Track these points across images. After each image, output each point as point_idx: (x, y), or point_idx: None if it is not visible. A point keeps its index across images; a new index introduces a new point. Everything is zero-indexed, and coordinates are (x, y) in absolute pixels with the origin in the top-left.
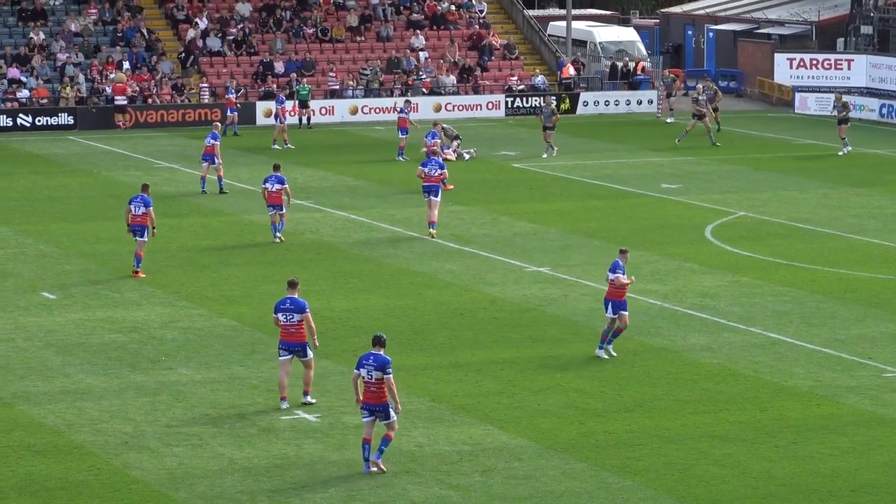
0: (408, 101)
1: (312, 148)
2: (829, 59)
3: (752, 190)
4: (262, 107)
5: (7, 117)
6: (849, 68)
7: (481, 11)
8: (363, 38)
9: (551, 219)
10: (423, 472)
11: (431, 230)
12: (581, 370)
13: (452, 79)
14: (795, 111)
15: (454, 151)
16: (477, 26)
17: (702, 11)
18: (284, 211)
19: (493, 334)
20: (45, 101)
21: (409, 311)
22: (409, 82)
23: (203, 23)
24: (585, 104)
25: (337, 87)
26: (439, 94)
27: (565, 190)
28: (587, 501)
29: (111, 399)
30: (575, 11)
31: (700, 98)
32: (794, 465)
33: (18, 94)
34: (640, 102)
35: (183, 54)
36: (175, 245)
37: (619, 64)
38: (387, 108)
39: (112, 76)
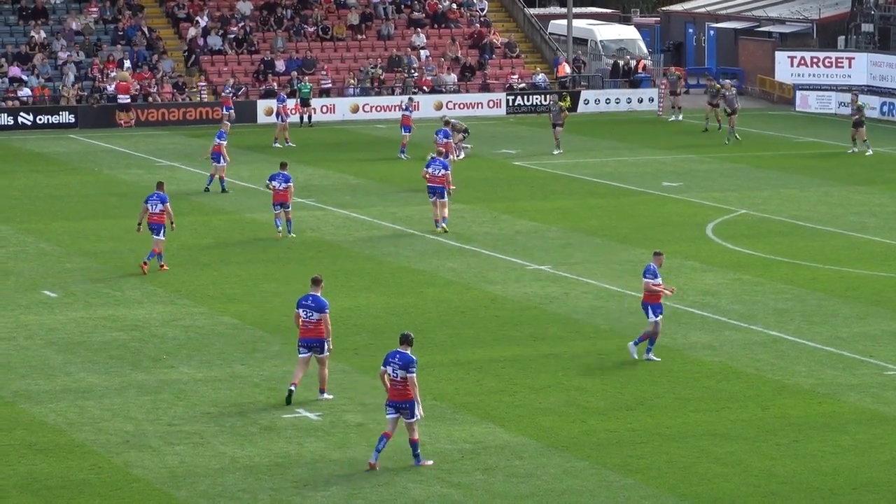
0: (411, 99)
1: (313, 146)
2: (830, 57)
3: (753, 188)
4: (263, 105)
5: (8, 116)
6: (849, 66)
7: (482, 10)
8: (364, 37)
9: (552, 217)
10: (424, 470)
11: (443, 225)
12: (582, 368)
13: (453, 77)
14: (796, 109)
15: (456, 145)
16: (478, 24)
17: (703, 9)
18: (290, 209)
19: (494, 332)
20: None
21: (410, 309)
22: (388, 81)
23: (204, 21)
24: (586, 102)
25: (329, 85)
26: (440, 92)
27: (566, 188)
28: (588, 500)
29: (112, 397)
30: (576, 10)
31: (728, 94)
32: (795, 463)
33: (19, 93)
34: (640, 100)
35: (187, 52)
36: (176, 243)
37: (621, 62)
38: (388, 106)
39: (113, 74)
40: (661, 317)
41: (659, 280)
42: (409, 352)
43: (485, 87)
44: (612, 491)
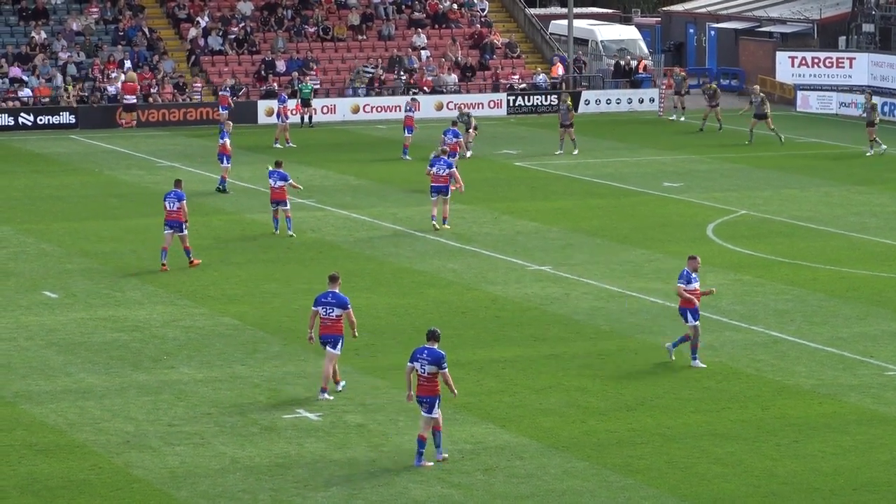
0: (413, 100)
1: (314, 147)
2: (831, 58)
3: (754, 188)
4: (263, 106)
5: (9, 116)
6: (850, 66)
7: (483, 10)
8: (365, 37)
9: (553, 217)
10: (424, 470)
11: (445, 226)
12: (583, 369)
13: (454, 77)
14: (797, 109)
15: (469, 143)
16: (478, 25)
17: (703, 10)
18: (288, 207)
19: (494, 333)
20: (46, 99)
21: (410, 309)
22: (388, 81)
23: (204, 21)
24: (587, 103)
25: (318, 86)
26: (441, 92)
27: (567, 188)
28: (589, 500)
29: (113, 398)
30: (576, 10)
31: (755, 100)
32: (795, 463)
33: (20, 93)
34: (641, 101)
35: (189, 53)
36: (176, 244)
37: (621, 62)
38: (388, 106)
39: (114, 75)
40: (693, 323)
41: (693, 285)
42: (436, 347)
43: (495, 88)
44: (612, 491)
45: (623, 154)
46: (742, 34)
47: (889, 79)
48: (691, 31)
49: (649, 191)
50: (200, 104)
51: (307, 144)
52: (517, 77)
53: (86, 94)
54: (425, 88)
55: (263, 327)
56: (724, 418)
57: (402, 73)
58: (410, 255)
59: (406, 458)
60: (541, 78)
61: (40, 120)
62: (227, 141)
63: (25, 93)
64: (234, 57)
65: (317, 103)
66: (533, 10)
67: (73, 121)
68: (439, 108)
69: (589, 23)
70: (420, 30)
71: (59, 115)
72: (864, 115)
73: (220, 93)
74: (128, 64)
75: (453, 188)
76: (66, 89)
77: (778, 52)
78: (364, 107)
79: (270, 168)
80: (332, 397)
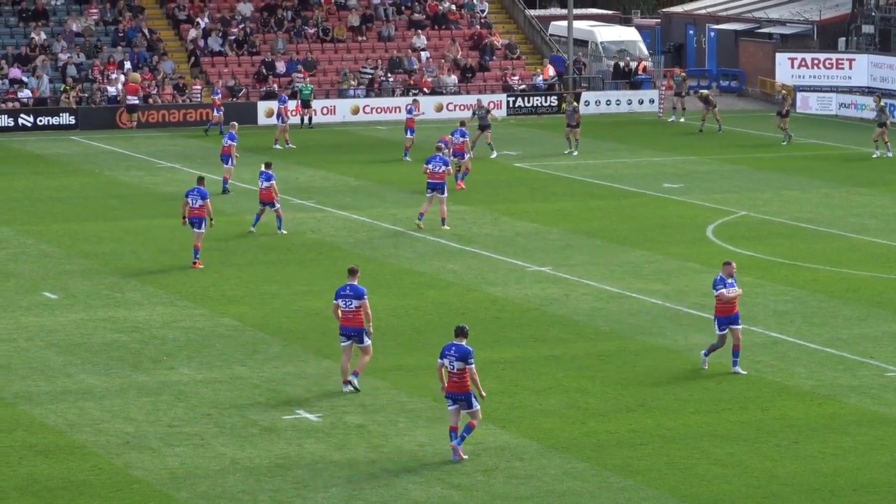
0: (415, 101)
1: (314, 148)
2: (831, 59)
3: (754, 189)
4: (263, 107)
5: (8, 117)
6: (850, 68)
7: (483, 11)
8: (364, 38)
9: (553, 218)
10: (424, 471)
11: (445, 227)
12: (583, 370)
13: (454, 78)
14: (797, 111)
15: (490, 144)
16: (478, 26)
17: (703, 11)
18: (277, 206)
19: (494, 334)
20: (46, 100)
21: (410, 310)
22: (377, 84)
23: (204, 22)
24: (587, 104)
25: (302, 87)
26: (441, 93)
27: (567, 190)
28: (589, 501)
29: (113, 399)
30: (576, 11)
31: (778, 97)
32: (795, 464)
33: (20, 94)
34: (641, 102)
35: (190, 54)
36: (177, 245)
37: (621, 64)
38: (388, 107)
39: (113, 76)
40: (738, 328)
41: (724, 291)
42: (464, 343)
43: (507, 88)
44: (612, 492)
45: (623, 155)
46: (742, 35)
47: (889, 80)
48: (691, 32)
49: (649, 192)
50: (200, 105)
51: (307, 145)
52: (517, 78)
53: (85, 94)
54: (425, 90)
55: (263, 328)
56: (724, 419)
57: (389, 75)
58: (410, 256)
59: (406, 458)
60: (540, 79)
61: (40, 121)
62: (234, 143)
63: (25, 94)
64: (234, 58)
65: (316, 104)
66: (533, 12)
67: (73, 122)
68: (439, 109)
69: (589, 24)
70: (420, 31)
71: (59, 116)
72: (876, 117)
73: (212, 96)
74: (128, 65)
75: (461, 186)
76: (65, 90)
77: (778, 54)
78: (364, 108)
79: (262, 168)
80: (357, 387)
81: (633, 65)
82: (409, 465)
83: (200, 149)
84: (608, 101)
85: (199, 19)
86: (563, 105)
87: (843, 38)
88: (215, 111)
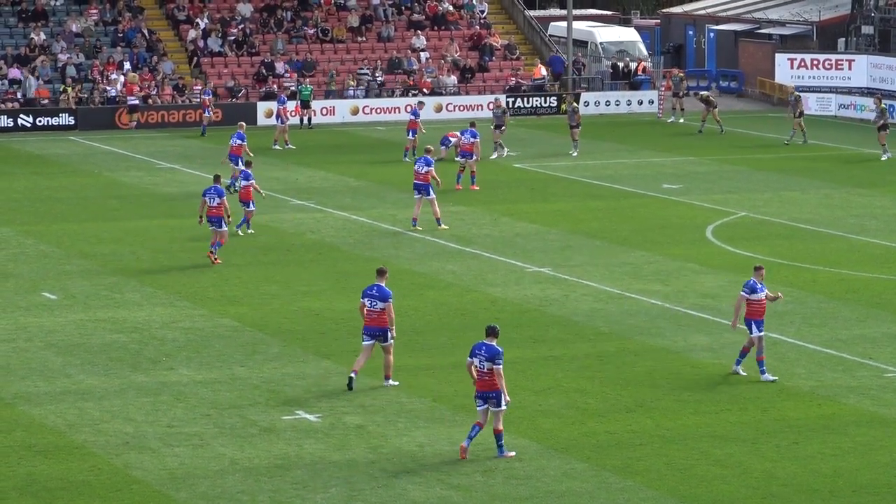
0: (420, 103)
1: (313, 148)
2: (830, 60)
3: (753, 190)
4: (262, 107)
5: (8, 117)
6: (850, 68)
7: (482, 12)
8: (364, 39)
9: (552, 219)
10: (424, 472)
11: (442, 226)
12: (582, 370)
13: (453, 79)
14: None
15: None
16: (478, 27)
17: (703, 11)
18: (252, 208)
19: None
20: (45, 101)
21: (410, 311)
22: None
23: (204, 23)
24: (586, 104)
25: (294, 88)
26: (440, 94)
27: (566, 190)
28: (588, 502)
29: (112, 399)
30: (576, 12)
31: (791, 98)
32: (795, 465)
33: (19, 94)
34: (640, 102)
35: (190, 54)
36: (176, 245)
37: (620, 64)
38: (388, 108)
39: (113, 76)
40: (757, 334)
41: (758, 295)
42: (494, 343)
43: (515, 88)
44: (611, 493)
45: (622, 156)
46: (741, 36)
47: (888, 80)
48: (690, 32)
49: (649, 192)
50: (200, 106)
51: (306, 146)
52: (513, 80)
53: (85, 95)
54: (425, 90)
55: (263, 329)
56: (723, 420)
57: (377, 78)
58: (410, 257)
59: (405, 459)
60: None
61: (39, 121)
62: (244, 143)
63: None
64: (234, 58)
65: (316, 105)
66: (532, 12)
67: (73, 122)
68: (438, 109)
69: (588, 24)
70: (419, 31)
71: (59, 117)
72: (875, 119)
73: (203, 96)
74: (127, 65)
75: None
76: (64, 90)
77: (777, 54)
78: (363, 108)
79: (241, 168)
80: (396, 382)
81: (633, 65)
82: (408, 465)
83: (200, 149)
84: (607, 101)
85: (198, 20)
86: (563, 106)
87: (843, 39)
88: (205, 111)
